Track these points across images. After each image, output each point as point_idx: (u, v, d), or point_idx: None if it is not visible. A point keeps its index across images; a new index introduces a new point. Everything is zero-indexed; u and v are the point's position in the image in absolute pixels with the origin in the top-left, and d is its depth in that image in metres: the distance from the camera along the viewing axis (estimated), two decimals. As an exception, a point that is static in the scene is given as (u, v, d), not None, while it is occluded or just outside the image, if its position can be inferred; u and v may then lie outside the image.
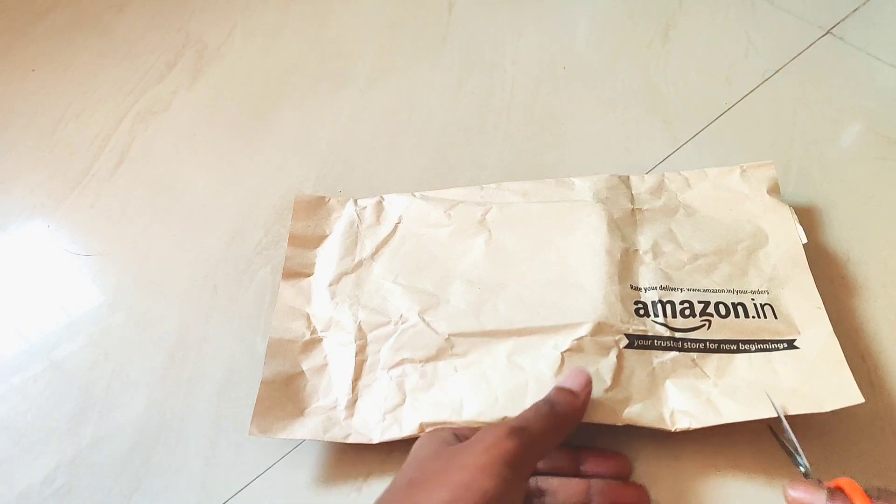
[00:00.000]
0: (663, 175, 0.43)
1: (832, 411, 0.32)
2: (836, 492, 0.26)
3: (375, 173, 0.49)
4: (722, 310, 0.36)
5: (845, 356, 0.34)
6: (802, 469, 0.30)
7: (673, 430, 0.33)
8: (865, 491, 0.25)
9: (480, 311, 0.37)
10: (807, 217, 0.43)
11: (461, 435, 0.31)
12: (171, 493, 0.36)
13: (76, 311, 0.44)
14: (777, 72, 0.51)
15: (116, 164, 0.52)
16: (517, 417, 0.30)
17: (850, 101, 0.49)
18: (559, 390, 0.32)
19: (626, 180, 0.43)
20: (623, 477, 0.34)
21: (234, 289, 0.44)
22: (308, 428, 0.35)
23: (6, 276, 0.47)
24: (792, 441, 0.31)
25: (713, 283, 0.37)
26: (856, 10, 0.54)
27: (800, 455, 0.30)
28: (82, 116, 0.56)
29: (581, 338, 0.35)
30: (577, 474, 0.33)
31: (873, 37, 0.52)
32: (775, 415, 0.32)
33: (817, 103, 0.49)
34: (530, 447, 0.28)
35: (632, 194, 0.42)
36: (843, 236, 0.42)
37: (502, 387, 0.35)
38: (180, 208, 0.49)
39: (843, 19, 0.54)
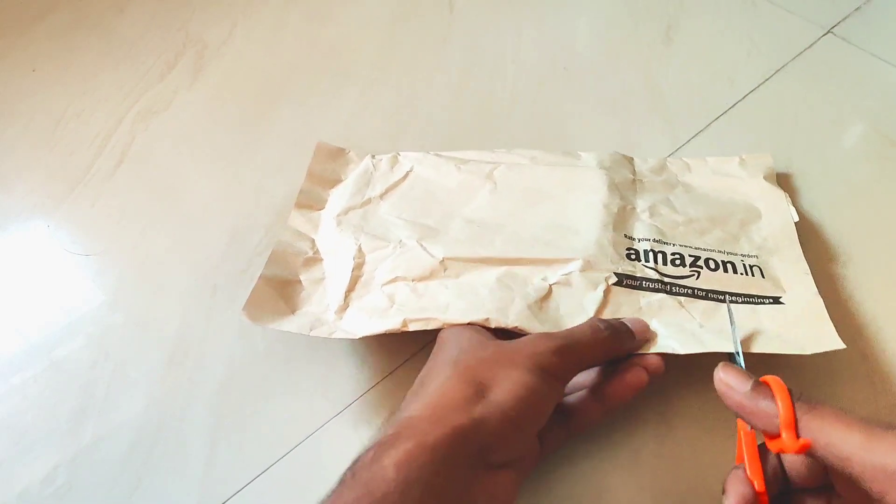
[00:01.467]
0: (665, 159, 0.45)
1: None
2: (761, 384, 0.26)
3: (376, 173, 0.49)
4: (711, 264, 0.38)
5: (847, 355, 0.34)
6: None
7: (651, 350, 0.33)
8: (789, 391, 0.25)
9: (477, 243, 0.39)
10: (807, 216, 0.43)
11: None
12: (170, 493, 0.36)
13: (76, 311, 0.44)
14: (778, 71, 0.51)
15: (116, 164, 0.52)
16: (569, 332, 0.32)
17: (851, 100, 0.49)
18: (620, 321, 0.34)
19: (630, 159, 0.45)
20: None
21: (234, 289, 0.44)
22: (296, 324, 0.37)
23: (6, 276, 0.47)
24: (736, 342, 0.32)
25: (705, 243, 0.39)
26: (857, 9, 0.54)
27: (739, 355, 0.32)
28: (82, 116, 0.56)
29: (570, 273, 0.37)
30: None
31: (875, 36, 0.52)
32: (755, 350, 0.33)
33: (819, 103, 0.49)
34: (573, 364, 0.31)
35: (634, 169, 0.45)
36: (843, 236, 0.42)
37: (489, 298, 0.35)
38: (180, 208, 0.49)
39: (845, 18, 0.54)
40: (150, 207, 0.49)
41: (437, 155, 0.46)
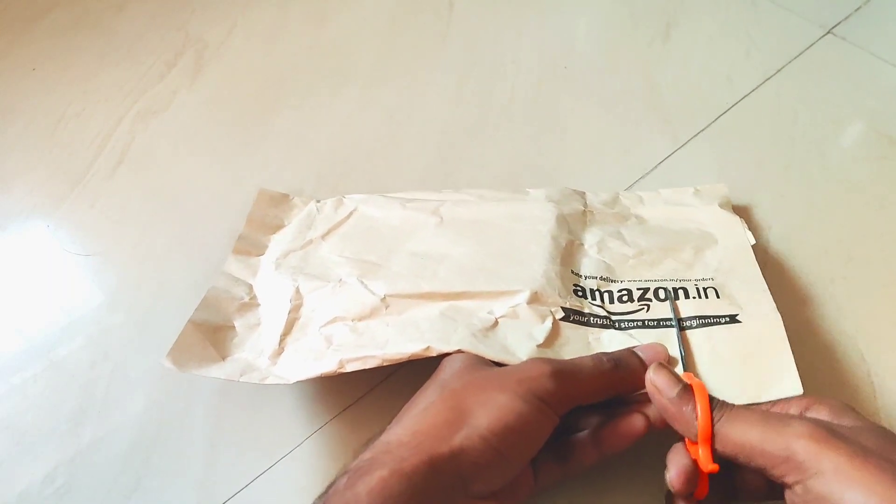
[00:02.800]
0: (619, 193, 0.44)
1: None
2: (687, 390, 0.27)
3: (375, 173, 0.49)
4: (661, 294, 0.36)
5: (847, 355, 0.34)
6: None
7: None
8: (710, 399, 0.27)
9: (420, 276, 0.37)
10: (807, 216, 0.43)
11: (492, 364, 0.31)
12: (170, 493, 0.36)
13: (76, 311, 0.44)
14: (778, 71, 0.51)
15: (116, 164, 0.52)
16: (570, 360, 0.30)
17: (851, 100, 0.49)
18: (631, 353, 0.31)
19: (581, 193, 0.44)
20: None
21: (234, 289, 0.44)
22: (225, 370, 0.35)
23: (6, 276, 0.47)
24: (678, 343, 0.33)
25: (655, 274, 0.38)
26: (857, 9, 0.54)
27: (681, 359, 0.32)
28: (82, 116, 0.56)
29: (517, 305, 0.35)
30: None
31: (875, 36, 0.52)
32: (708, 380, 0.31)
33: (818, 102, 0.49)
34: (570, 393, 0.28)
35: (585, 202, 0.43)
36: (844, 236, 0.42)
37: (429, 329, 0.34)
38: (180, 208, 0.49)
39: (845, 19, 0.54)
40: (150, 207, 0.49)
41: (382, 195, 0.44)
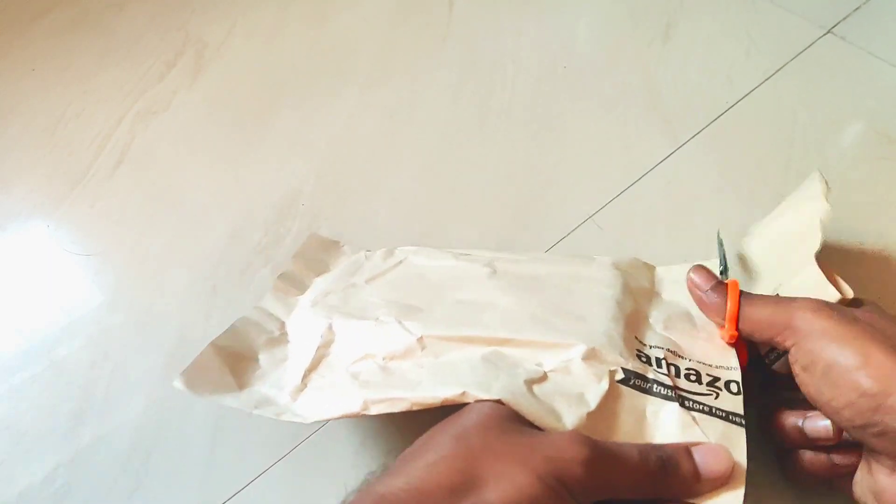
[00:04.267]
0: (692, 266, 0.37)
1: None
2: (721, 285, 0.32)
3: (375, 173, 0.49)
4: (733, 388, 0.30)
5: None
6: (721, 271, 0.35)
7: None
8: (741, 292, 0.31)
9: (461, 321, 0.33)
10: (807, 217, 0.43)
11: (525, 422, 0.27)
12: (170, 493, 0.36)
13: (76, 311, 0.44)
14: (778, 71, 0.51)
15: (116, 164, 0.52)
16: (612, 446, 0.26)
17: (851, 100, 0.49)
18: (685, 454, 0.27)
19: (651, 268, 0.39)
20: None
21: (234, 289, 0.44)
22: (240, 401, 0.32)
23: (6, 276, 0.47)
24: (723, 257, 0.35)
25: (732, 360, 0.31)
26: (857, 9, 0.54)
27: (726, 271, 0.35)
28: (82, 116, 0.56)
29: (571, 360, 0.30)
30: None
31: (874, 36, 0.52)
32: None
33: (818, 102, 0.49)
34: (602, 486, 0.25)
35: (653, 278, 0.38)
36: (843, 236, 0.42)
37: (469, 374, 0.30)
38: (180, 208, 0.49)
39: (845, 18, 0.54)
40: (150, 207, 0.49)
41: (435, 248, 0.41)
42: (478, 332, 0.32)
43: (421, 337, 0.33)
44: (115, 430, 0.38)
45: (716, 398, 0.30)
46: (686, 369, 0.31)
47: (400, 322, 0.34)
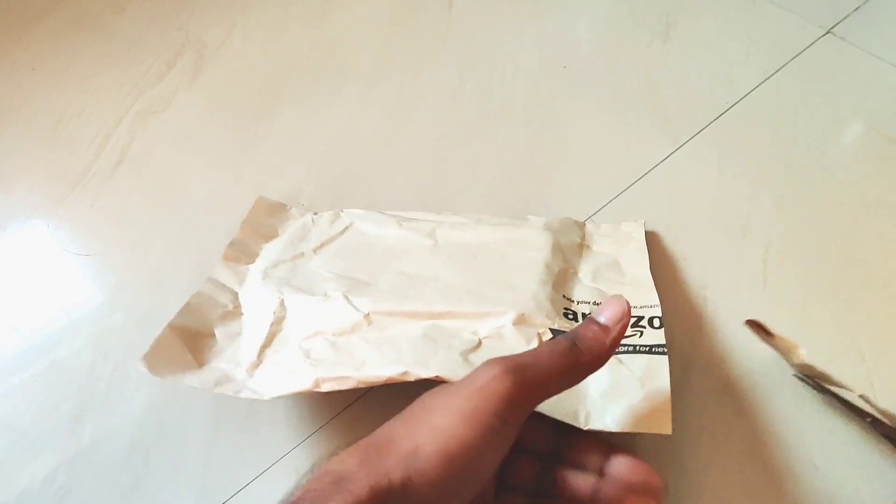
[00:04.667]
0: (620, 224, 0.43)
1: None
2: None
3: (375, 173, 0.49)
4: (656, 322, 0.35)
5: (847, 355, 0.34)
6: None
7: (585, 428, 0.30)
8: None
9: (405, 295, 0.36)
10: (807, 216, 0.43)
11: None
12: (170, 493, 0.36)
13: (76, 311, 0.44)
14: (778, 71, 0.51)
15: (116, 164, 0.52)
16: (523, 353, 0.26)
17: (850, 100, 0.49)
18: (588, 323, 0.28)
19: (581, 225, 0.43)
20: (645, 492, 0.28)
21: (234, 289, 0.44)
22: (200, 379, 0.34)
23: (6, 276, 0.47)
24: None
25: (653, 299, 0.36)
26: (857, 9, 0.54)
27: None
28: (82, 116, 0.56)
29: (502, 326, 0.34)
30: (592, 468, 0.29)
31: (874, 36, 0.52)
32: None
33: (818, 102, 0.49)
34: (530, 391, 0.25)
35: (583, 233, 0.42)
36: (843, 236, 0.42)
37: (409, 351, 0.33)
38: (180, 208, 0.49)
39: (844, 18, 0.54)
40: (150, 207, 0.49)
41: (381, 212, 0.44)
42: (419, 307, 0.35)
43: (367, 314, 0.35)
44: (114, 430, 0.38)
45: (640, 336, 0.34)
46: None
47: (347, 298, 0.36)
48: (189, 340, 0.36)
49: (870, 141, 0.47)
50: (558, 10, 0.59)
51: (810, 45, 0.52)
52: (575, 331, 0.28)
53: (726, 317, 0.39)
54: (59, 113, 0.56)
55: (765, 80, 0.51)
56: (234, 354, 0.36)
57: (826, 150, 0.46)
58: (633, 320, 0.35)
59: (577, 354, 0.26)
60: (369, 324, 0.35)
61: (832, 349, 0.37)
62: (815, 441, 0.34)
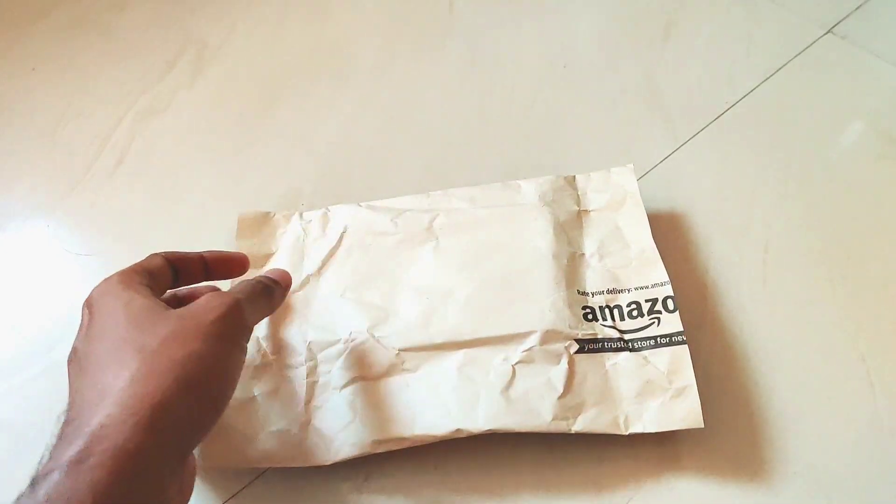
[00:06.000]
0: (610, 170, 0.43)
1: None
2: None
3: (375, 172, 0.49)
4: (670, 304, 0.36)
5: (847, 355, 0.35)
6: None
7: (626, 433, 0.33)
8: None
9: (429, 323, 0.37)
10: (807, 216, 0.43)
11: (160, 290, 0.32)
12: (170, 493, 0.36)
13: (76, 311, 0.44)
14: (778, 70, 0.51)
15: (116, 164, 0.52)
16: (241, 291, 0.32)
17: (851, 99, 0.49)
18: (270, 280, 0.35)
19: (571, 181, 0.43)
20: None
21: (234, 289, 0.44)
22: (260, 454, 0.34)
23: (6, 276, 0.47)
24: None
25: (662, 275, 0.37)
26: (857, 8, 0.54)
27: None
28: (82, 116, 0.56)
29: (530, 348, 0.35)
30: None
31: (875, 35, 0.52)
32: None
33: (818, 102, 0.49)
34: (255, 319, 0.32)
35: (577, 195, 0.42)
36: (843, 236, 0.42)
37: (453, 398, 0.34)
38: (180, 208, 0.49)
39: (845, 18, 0.54)
40: (150, 207, 0.49)
41: (369, 208, 0.42)
42: (447, 337, 0.36)
43: (398, 352, 0.36)
44: (115, 430, 0.38)
45: (658, 325, 0.36)
46: (628, 305, 0.37)
47: (374, 335, 0.37)
48: (236, 415, 0.35)
49: (870, 141, 0.47)
50: (558, 9, 0.59)
51: (810, 45, 0.52)
52: (267, 284, 0.34)
53: (727, 316, 0.39)
54: (59, 113, 0.56)
55: (765, 80, 0.51)
56: (280, 414, 0.36)
57: (826, 149, 0.46)
58: (647, 305, 0.36)
59: (272, 302, 0.35)
60: (403, 363, 0.36)
61: (832, 349, 0.37)
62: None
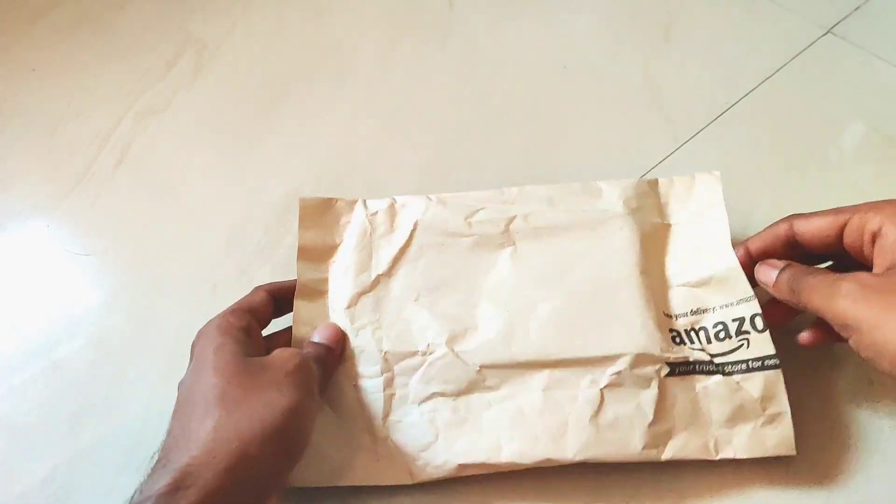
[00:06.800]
0: (694, 175, 0.40)
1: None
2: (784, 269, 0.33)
3: (375, 172, 0.49)
4: (759, 323, 0.34)
5: (847, 355, 0.35)
6: None
7: (717, 458, 0.32)
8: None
9: (511, 339, 0.35)
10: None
11: (252, 333, 0.34)
12: (170, 494, 0.36)
13: (76, 311, 0.44)
14: (778, 71, 0.51)
15: (116, 164, 0.52)
16: (306, 352, 0.33)
17: (850, 99, 0.49)
18: (321, 348, 0.35)
19: (654, 185, 0.40)
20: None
21: (234, 289, 0.43)
22: (333, 470, 0.33)
23: (6, 276, 0.47)
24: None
25: (746, 289, 0.35)
26: (857, 8, 0.54)
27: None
28: (82, 116, 0.56)
29: (620, 371, 0.33)
30: None
31: (874, 36, 0.52)
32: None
33: (818, 102, 0.49)
34: (328, 372, 0.34)
35: (659, 203, 0.40)
36: (843, 236, 0.42)
37: (540, 424, 0.33)
38: (180, 208, 0.49)
39: (844, 18, 0.54)
40: (150, 207, 0.49)
41: (440, 202, 0.40)
42: (530, 356, 0.34)
43: (479, 368, 0.34)
44: (115, 430, 0.38)
45: (748, 347, 0.34)
46: (714, 326, 0.35)
47: (453, 350, 0.35)
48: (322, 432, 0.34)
49: (870, 141, 0.47)
50: (559, 8, 0.59)
51: (810, 45, 0.52)
52: (319, 356, 0.34)
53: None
54: (60, 113, 0.56)
55: (765, 80, 0.51)
56: (359, 426, 0.35)
57: (826, 150, 0.46)
58: (734, 325, 0.34)
59: (327, 371, 0.35)
60: (484, 380, 0.34)
61: (832, 349, 0.37)
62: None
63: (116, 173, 0.51)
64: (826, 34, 0.53)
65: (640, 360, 0.33)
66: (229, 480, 0.26)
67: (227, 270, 0.45)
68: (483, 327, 0.36)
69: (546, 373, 0.34)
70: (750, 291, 0.35)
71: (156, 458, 0.28)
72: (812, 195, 0.44)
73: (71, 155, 0.53)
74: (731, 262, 0.36)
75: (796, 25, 0.54)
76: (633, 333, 0.34)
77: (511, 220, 0.39)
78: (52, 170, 0.52)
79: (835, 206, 0.33)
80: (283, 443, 0.28)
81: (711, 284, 0.36)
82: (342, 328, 0.37)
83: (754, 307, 0.34)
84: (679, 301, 0.36)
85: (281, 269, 0.44)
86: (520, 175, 0.47)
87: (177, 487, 0.25)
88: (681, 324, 0.36)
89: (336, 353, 0.35)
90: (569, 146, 0.49)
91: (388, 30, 0.59)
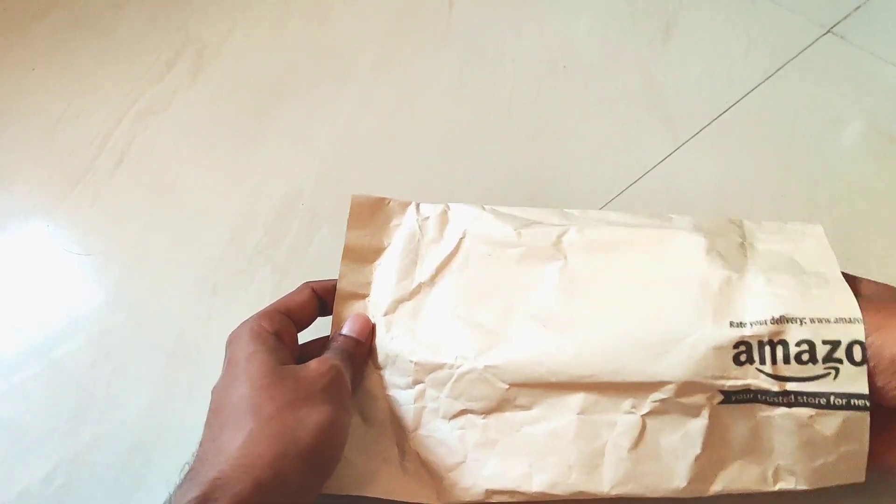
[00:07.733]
0: (787, 223, 0.36)
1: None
2: None
3: (375, 172, 0.49)
4: (857, 354, 0.27)
5: None
6: None
7: (775, 489, 0.29)
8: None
9: (545, 356, 0.32)
10: (807, 216, 0.43)
11: (282, 336, 0.32)
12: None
13: (76, 311, 0.44)
14: (778, 70, 0.51)
15: (116, 164, 0.52)
16: (335, 357, 0.32)
17: (851, 99, 0.49)
18: (350, 341, 0.34)
19: (738, 223, 0.36)
20: None
21: (234, 289, 0.44)
22: (366, 481, 0.32)
23: (6, 276, 0.47)
24: None
25: (851, 307, 0.28)
26: (857, 8, 0.54)
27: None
28: (82, 116, 0.56)
29: (663, 400, 0.30)
30: None
31: (874, 35, 0.52)
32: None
33: (818, 102, 0.49)
34: (349, 382, 0.32)
35: (743, 231, 0.36)
36: (844, 235, 0.42)
37: (574, 452, 0.31)
38: (180, 208, 0.49)
39: (845, 18, 0.54)
40: (150, 207, 0.49)
41: (493, 212, 0.37)
42: (565, 378, 0.31)
43: (509, 387, 0.32)
44: (115, 430, 0.38)
45: (834, 377, 0.28)
46: (797, 344, 0.28)
47: (480, 364, 0.32)
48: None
49: (870, 140, 0.47)
50: (558, 9, 0.59)
51: (810, 45, 0.52)
52: (347, 351, 0.33)
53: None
54: (59, 113, 0.56)
55: (765, 80, 0.51)
56: (388, 438, 0.33)
57: (826, 149, 0.46)
58: (824, 349, 0.28)
59: (356, 367, 0.33)
60: (514, 398, 0.32)
61: (832, 349, 0.37)
62: None
63: (116, 173, 0.51)
64: (826, 34, 0.53)
65: (687, 388, 0.29)
66: (258, 496, 0.26)
67: (227, 270, 0.45)
68: (517, 343, 0.33)
69: (581, 395, 0.31)
70: (857, 312, 0.28)
71: (185, 469, 0.28)
72: (812, 194, 0.44)
73: (71, 155, 0.53)
74: (834, 272, 0.31)
75: (796, 25, 0.54)
76: (681, 358, 0.30)
77: (564, 232, 0.35)
78: (52, 170, 0.52)
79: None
80: (315, 460, 0.28)
81: (804, 290, 0.30)
82: (372, 321, 0.35)
83: (857, 332, 0.27)
84: (756, 304, 0.30)
85: (281, 269, 0.44)
86: (519, 175, 0.48)
87: (205, 500, 0.25)
88: (755, 331, 0.29)
89: (365, 346, 0.34)
90: (568, 146, 0.49)
91: (388, 30, 0.59)
